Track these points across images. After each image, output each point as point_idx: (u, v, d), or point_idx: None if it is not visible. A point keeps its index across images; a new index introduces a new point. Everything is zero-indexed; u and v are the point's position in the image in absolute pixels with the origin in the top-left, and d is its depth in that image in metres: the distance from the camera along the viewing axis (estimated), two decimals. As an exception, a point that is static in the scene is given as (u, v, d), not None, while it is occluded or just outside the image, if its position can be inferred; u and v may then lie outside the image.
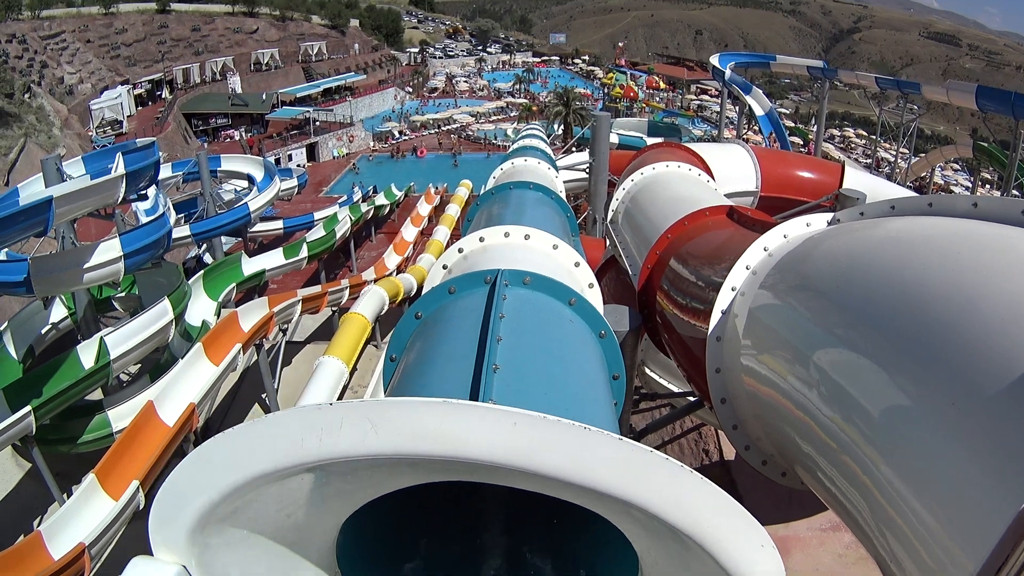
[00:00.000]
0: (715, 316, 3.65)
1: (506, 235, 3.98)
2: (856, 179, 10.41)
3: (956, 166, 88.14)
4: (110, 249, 15.44)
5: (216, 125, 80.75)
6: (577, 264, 3.96)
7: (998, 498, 1.59)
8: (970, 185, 74.69)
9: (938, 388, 1.89)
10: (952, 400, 1.81)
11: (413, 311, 3.04)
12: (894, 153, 67.16)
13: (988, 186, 75.35)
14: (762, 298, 3.36)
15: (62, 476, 15.00)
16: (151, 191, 26.64)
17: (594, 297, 3.84)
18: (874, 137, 71.99)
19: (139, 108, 76.81)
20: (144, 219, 25.49)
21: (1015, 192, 43.15)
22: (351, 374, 15.19)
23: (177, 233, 25.88)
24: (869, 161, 74.19)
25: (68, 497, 12.93)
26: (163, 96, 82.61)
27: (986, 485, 1.65)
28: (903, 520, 1.92)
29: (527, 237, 3.98)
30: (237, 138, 77.27)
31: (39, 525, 12.93)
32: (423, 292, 3.25)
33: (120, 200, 15.92)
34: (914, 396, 1.99)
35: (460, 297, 3.02)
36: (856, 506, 2.25)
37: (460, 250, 4.00)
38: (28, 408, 13.29)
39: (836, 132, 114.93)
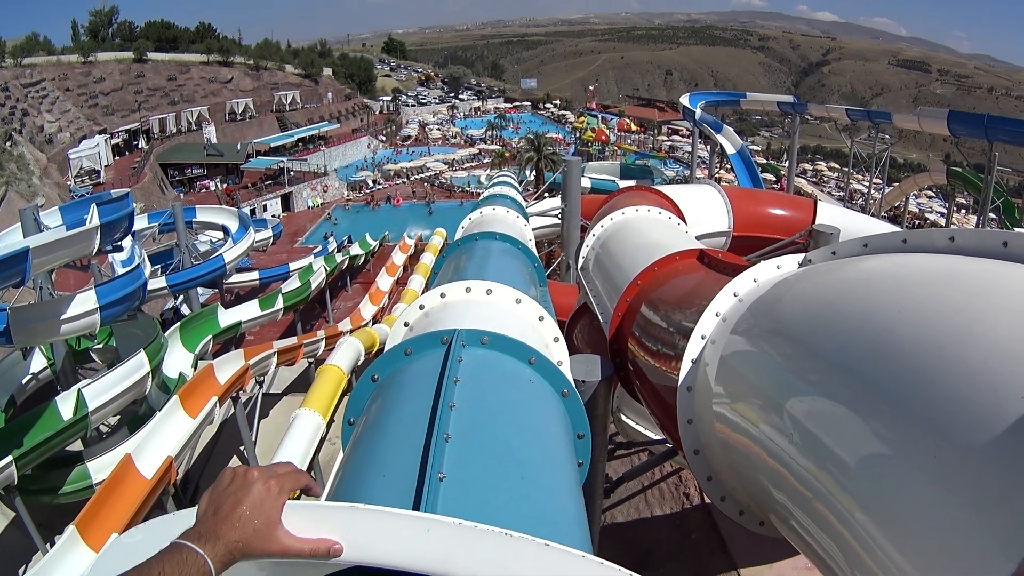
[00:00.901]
0: (685, 365, 3.58)
1: (468, 290, 3.90)
2: (829, 213, 10.47)
3: (931, 193, 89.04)
4: (86, 301, 15.43)
5: (192, 175, 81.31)
6: (541, 318, 3.89)
7: (993, 554, 1.51)
8: (945, 211, 75.33)
9: (919, 438, 1.80)
10: (934, 452, 1.73)
11: (370, 373, 2.96)
12: (867, 184, 67.68)
13: (964, 211, 76.25)
14: (733, 346, 3.28)
15: (44, 527, 14.91)
16: (127, 242, 26.65)
17: (559, 351, 3.78)
18: (846, 169, 72.64)
19: (116, 158, 78.18)
20: (120, 270, 25.47)
21: (992, 215, 43.48)
22: (328, 426, 15.08)
23: (153, 284, 25.95)
24: (842, 194, 74.86)
25: (51, 547, 12.82)
26: (140, 146, 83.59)
27: (978, 540, 1.57)
28: (886, 574, 1.82)
29: (489, 292, 3.91)
30: (213, 188, 77.59)
31: (24, 574, 12.84)
32: (384, 351, 3.17)
33: (95, 251, 15.91)
34: (894, 446, 1.90)
35: (416, 359, 2.94)
36: (835, 559, 2.16)
37: (421, 307, 3.91)
38: (10, 458, 13.31)
39: (808, 166, 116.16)
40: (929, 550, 1.70)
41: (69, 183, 63.45)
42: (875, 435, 1.99)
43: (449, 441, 2.12)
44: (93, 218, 15.17)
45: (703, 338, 3.56)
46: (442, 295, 3.92)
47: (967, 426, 1.67)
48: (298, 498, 1.77)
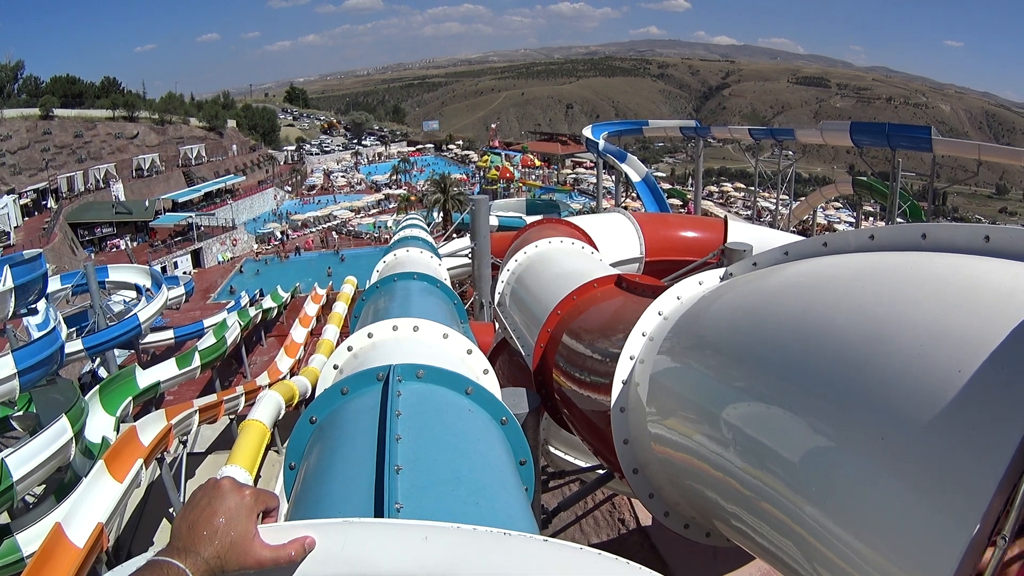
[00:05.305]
0: (616, 387, 3.57)
1: (394, 328, 3.90)
2: (740, 232, 10.55)
3: (838, 204, 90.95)
4: (4, 366, 15.10)
5: (102, 235, 79.81)
6: (470, 351, 3.90)
7: (946, 523, 1.56)
8: (853, 221, 76.90)
9: (865, 423, 1.84)
10: (881, 434, 1.78)
11: (308, 415, 2.93)
12: (775, 201, 68.55)
13: (871, 219, 78.07)
14: (663, 363, 3.30)
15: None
16: (41, 305, 26.17)
17: (490, 383, 3.77)
18: (753, 188, 73.53)
19: (25, 218, 76.07)
20: (36, 334, 25.01)
21: (899, 220, 44.37)
22: (255, 482, 14.84)
23: (70, 347, 25.54)
24: (750, 212, 75.86)
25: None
26: (48, 205, 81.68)
27: (930, 511, 1.62)
28: (847, 563, 1.86)
29: (416, 328, 3.92)
30: (123, 247, 76.31)
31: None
32: (316, 395, 3.16)
33: (10, 315, 15.61)
34: (841, 434, 1.94)
35: (354, 397, 2.92)
36: (791, 555, 2.19)
37: (349, 348, 3.90)
38: (-65, 535, 12.86)
39: (714, 188, 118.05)
40: (882, 529, 1.75)
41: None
42: (821, 426, 2.03)
43: (400, 472, 2.12)
44: (6, 280, 14.92)
45: (632, 358, 3.57)
46: (369, 335, 3.91)
47: (912, 403, 1.73)
48: None
